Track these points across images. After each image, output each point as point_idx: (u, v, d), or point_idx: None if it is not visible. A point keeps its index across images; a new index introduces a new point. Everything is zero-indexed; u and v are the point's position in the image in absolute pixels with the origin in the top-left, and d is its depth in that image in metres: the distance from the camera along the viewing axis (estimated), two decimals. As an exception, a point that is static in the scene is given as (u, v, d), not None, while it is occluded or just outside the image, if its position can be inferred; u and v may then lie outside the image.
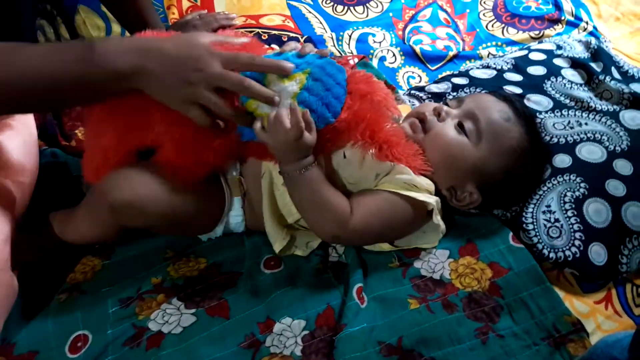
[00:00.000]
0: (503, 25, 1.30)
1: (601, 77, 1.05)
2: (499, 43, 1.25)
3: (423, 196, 0.78)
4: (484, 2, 1.37)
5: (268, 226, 0.79)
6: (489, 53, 1.21)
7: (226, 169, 0.82)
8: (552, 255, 0.82)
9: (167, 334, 0.73)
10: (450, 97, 1.04)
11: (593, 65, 1.07)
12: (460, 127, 0.82)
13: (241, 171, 0.83)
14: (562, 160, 0.91)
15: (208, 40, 0.70)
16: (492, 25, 1.30)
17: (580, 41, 1.14)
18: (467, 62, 1.20)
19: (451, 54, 1.21)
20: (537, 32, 1.27)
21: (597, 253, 0.82)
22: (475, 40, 1.27)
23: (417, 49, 1.22)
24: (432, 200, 0.79)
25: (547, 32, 1.26)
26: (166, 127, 0.72)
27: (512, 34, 1.27)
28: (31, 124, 0.90)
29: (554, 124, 0.96)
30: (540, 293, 0.79)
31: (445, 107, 0.85)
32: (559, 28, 1.26)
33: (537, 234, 0.84)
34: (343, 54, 1.22)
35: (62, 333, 0.73)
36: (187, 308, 0.76)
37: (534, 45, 1.18)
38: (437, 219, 0.80)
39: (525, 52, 1.14)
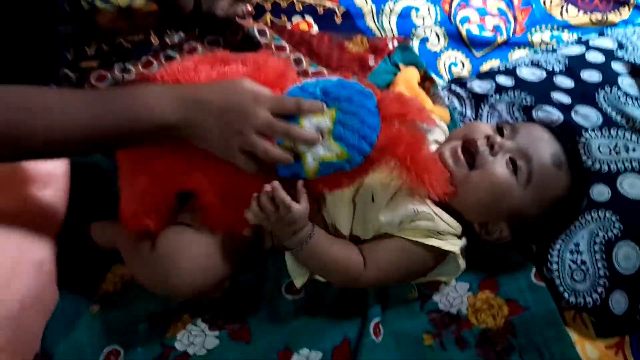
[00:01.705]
0: (563, 2, 1.17)
1: (660, 90, 0.97)
2: (555, 26, 1.14)
3: (448, 244, 0.77)
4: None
5: (289, 263, 0.80)
6: (542, 40, 1.11)
7: None
8: (572, 299, 0.82)
9: (192, 355, 0.78)
10: (501, 119, 0.98)
11: (654, 74, 0.98)
12: (512, 163, 0.78)
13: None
14: (600, 192, 0.87)
15: (251, 86, 0.69)
16: (551, 2, 1.18)
17: (645, 40, 1.03)
18: (516, 48, 1.11)
19: (499, 39, 1.12)
20: (599, 15, 1.15)
21: (618, 302, 0.81)
22: (529, 19, 1.16)
23: (463, 30, 1.13)
24: (457, 247, 0.78)
25: (611, 17, 1.14)
26: (206, 174, 0.71)
27: (572, 15, 1.16)
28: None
29: (599, 146, 0.91)
30: (553, 337, 0.80)
31: (498, 139, 0.79)
32: (625, 13, 1.13)
33: (561, 274, 0.84)
34: (382, 32, 1.13)
35: (96, 347, 0.79)
36: (211, 330, 0.80)
37: (593, 40, 1.07)
38: (460, 262, 0.80)
39: (582, 49, 1.04)
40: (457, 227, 0.79)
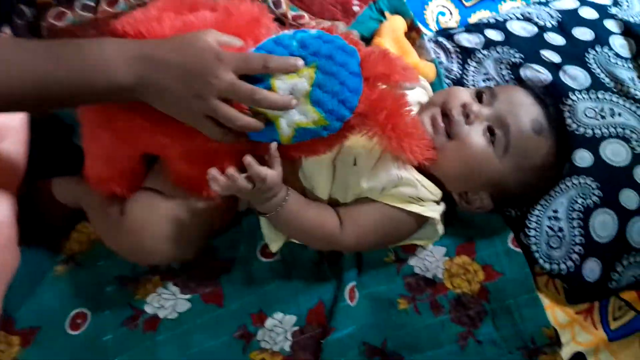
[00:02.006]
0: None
1: (652, 54, 0.94)
2: (549, -25, 1.08)
3: (428, 210, 0.75)
4: None
5: (264, 228, 0.77)
6: (535, -10, 1.05)
7: None
8: (546, 266, 0.82)
9: (162, 318, 0.77)
10: (483, 83, 0.94)
11: (648, 35, 0.95)
12: (490, 132, 0.75)
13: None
14: (582, 157, 0.85)
15: (214, 40, 0.62)
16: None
17: (641, -3, 0.99)
18: (508, 0, 1.05)
19: (491, -14, 1.05)
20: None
21: (592, 270, 0.82)
22: (522, -34, 1.09)
23: (453, -24, 1.06)
24: (437, 213, 0.76)
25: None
26: (172, 137, 0.66)
27: (567, -37, 1.09)
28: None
29: (584, 110, 0.88)
30: (525, 302, 0.81)
31: (475, 107, 0.76)
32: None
33: (537, 241, 0.83)
34: (367, -25, 1.05)
35: (61, 309, 0.77)
36: (182, 293, 0.79)
37: (589, -10, 1.02)
38: (439, 227, 0.78)
39: (576, 3, 0.99)
40: (437, 193, 0.77)
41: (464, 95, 0.78)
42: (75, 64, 0.60)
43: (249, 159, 0.65)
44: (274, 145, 0.66)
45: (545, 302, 0.83)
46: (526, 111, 0.77)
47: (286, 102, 0.62)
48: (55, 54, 0.60)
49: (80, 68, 0.60)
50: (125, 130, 0.67)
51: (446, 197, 0.80)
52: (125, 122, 0.66)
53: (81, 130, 0.70)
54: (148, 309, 0.77)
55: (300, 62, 0.63)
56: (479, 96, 0.79)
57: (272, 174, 0.67)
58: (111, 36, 0.67)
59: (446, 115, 0.76)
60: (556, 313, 0.83)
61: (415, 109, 0.82)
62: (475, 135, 0.75)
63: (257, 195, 0.69)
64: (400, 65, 0.68)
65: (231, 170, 0.65)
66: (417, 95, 0.84)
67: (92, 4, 0.97)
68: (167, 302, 0.78)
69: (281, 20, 1.01)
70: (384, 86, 0.67)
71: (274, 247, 0.78)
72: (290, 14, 1.01)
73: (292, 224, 0.73)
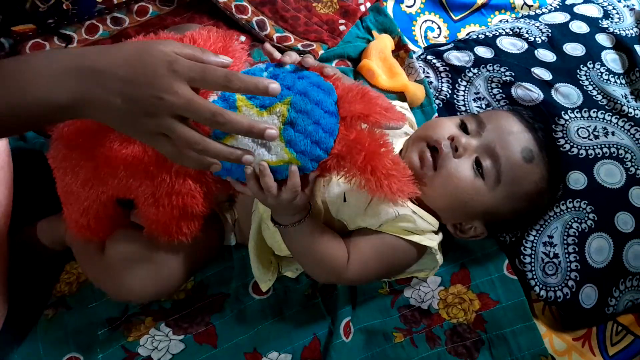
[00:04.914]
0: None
1: (644, 69, 0.92)
2: (538, -13, 1.06)
3: (427, 240, 0.74)
4: None
5: (254, 268, 0.76)
6: (524, 3, 1.04)
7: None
8: (542, 293, 0.82)
9: (156, 360, 0.76)
10: (470, 109, 0.92)
11: (639, 49, 0.93)
12: (477, 165, 0.74)
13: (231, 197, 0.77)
14: (576, 180, 0.85)
15: (171, 50, 0.53)
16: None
17: (631, 9, 0.97)
18: (497, 13, 1.03)
19: (479, 1, 1.03)
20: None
21: (588, 296, 0.82)
22: (511, -22, 1.07)
23: (442, -10, 1.04)
24: (436, 243, 0.75)
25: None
26: (135, 180, 0.63)
27: (556, -26, 1.07)
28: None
29: (577, 130, 0.87)
30: (522, 330, 0.81)
31: (463, 139, 0.74)
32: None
33: (533, 268, 0.82)
34: (354, -9, 1.03)
35: (54, 355, 0.75)
36: (175, 334, 0.77)
37: (578, 5, 1.00)
38: (438, 257, 0.77)
39: (565, 17, 0.97)
40: (435, 223, 0.76)
41: (450, 127, 0.76)
42: (10, 82, 0.52)
43: (294, 168, 0.60)
44: (312, 175, 0.62)
45: (542, 329, 0.82)
46: (515, 139, 0.75)
47: (254, 127, 0.53)
48: None
49: (14, 85, 0.51)
50: (89, 179, 0.65)
51: (443, 226, 0.79)
52: (88, 170, 0.64)
53: (54, 175, 0.68)
54: (142, 351, 0.76)
55: (275, 84, 0.54)
56: (463, 126, 0.77)
57: (303, 195, 0.64)
58: None
59: (434, 148, 0.75)
60: (553, 340, 0.82)
61: (401, 140, 0.80)
62: (464, 169, 0.73)
63: (284, 206, 0.65)
64: (380, 105, 0.63)
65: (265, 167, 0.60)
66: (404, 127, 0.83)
67: (72, 33, 0.94)
68: (161, 344, 0.77)
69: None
70: (364, 126, 0.63)
71: (264, 287, 0.77)
72: (275, 35, 0.99)
73: (303, 244, 0.70)
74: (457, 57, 0.96)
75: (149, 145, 0.57)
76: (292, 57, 0.64)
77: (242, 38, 0.99)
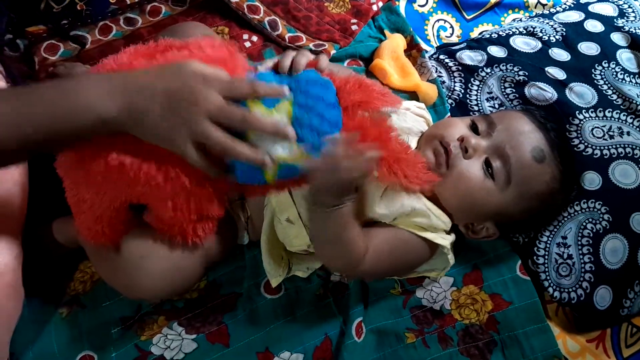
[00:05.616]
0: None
1: (659, 67, 0.91)
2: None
3: (440, 238, 0.74)
4: None
5: (265, 262, 0.76)
6: (538, 1, 1.03)
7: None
8: (556, 294, 0.81)
9: (169, 359, 0.76)
10: (481, 111, 0.92)
11: (655, 48, 0.92)
12: (487, 165, 0.74)
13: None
14: (591, 180, 0.84)
15: (198, 68, 0.60)
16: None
17: (648, 7, 0.96)
18: (510, 12, 1.02)
19: (492, 0, 1.02)
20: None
21: (602, 297, 0.81)
22: (525, -24, 1.07)
23: (454, -11, 1.03)
24: (448, 242, 0.75)
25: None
26: (151, 186, 0.63)
27: (571, -28, 1.06)
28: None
29: (592, 130, 0.86)
30: (535, 332, 0.80)
31: (473, 140, 0.74)
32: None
33: (546, 269, 0.82)
34: (366, -10, 1.03)
35: (68, 353, 0.76)
36: (188, 333, 0.78)
37: (593, 4, 0.99)
38: (450, 257, 0.77)
39: (580, 15, 0.96)
40: (448, 222, 0.76)
41: (461, 127, 0.76)
42: (55, 102, 0.57)
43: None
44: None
45: (556, 330, 0.81)
46: (526, 139, 0.75)
47: (278, 127, 0.59)
48: (28, 97, 0.58)
49: (61, 104, 0.57)
50: (104, 185, 0.65)
51: (455, 228, 0.79)
52: (104, 178, 0.63)
53: (64, 185, 0.69)
54: (155, 350, 0.76)
55: (286, 88, 0.61)
56: (473, 127, 0.77)
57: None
58: None
59: (445, 148, 0.75)
60: (567, 342, 0.81)
61: (416, 139, 0.80)
62: (474, 170, 0.73)
63: (343, 187, 0.64)
64: (377, 91, 0.67)
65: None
66: (419, 124, 0.83)
67: (86, 34, 0.95)
68: (173, 343, 0.77)
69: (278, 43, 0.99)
70: (366, 114, 0.65)
71: (274, 282, 0.77)
72: (287, 35, 0.99)
73: (336, 227, 0.68)
74: (469, 57, 0.96)
75: (178, 153, 0.61)
76: (307, 56, 0.66)
77: (254, 38, 0.99)
